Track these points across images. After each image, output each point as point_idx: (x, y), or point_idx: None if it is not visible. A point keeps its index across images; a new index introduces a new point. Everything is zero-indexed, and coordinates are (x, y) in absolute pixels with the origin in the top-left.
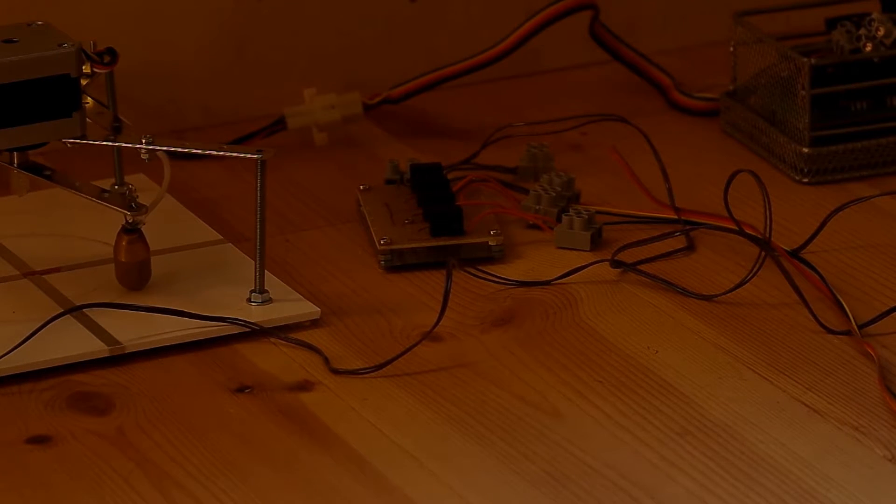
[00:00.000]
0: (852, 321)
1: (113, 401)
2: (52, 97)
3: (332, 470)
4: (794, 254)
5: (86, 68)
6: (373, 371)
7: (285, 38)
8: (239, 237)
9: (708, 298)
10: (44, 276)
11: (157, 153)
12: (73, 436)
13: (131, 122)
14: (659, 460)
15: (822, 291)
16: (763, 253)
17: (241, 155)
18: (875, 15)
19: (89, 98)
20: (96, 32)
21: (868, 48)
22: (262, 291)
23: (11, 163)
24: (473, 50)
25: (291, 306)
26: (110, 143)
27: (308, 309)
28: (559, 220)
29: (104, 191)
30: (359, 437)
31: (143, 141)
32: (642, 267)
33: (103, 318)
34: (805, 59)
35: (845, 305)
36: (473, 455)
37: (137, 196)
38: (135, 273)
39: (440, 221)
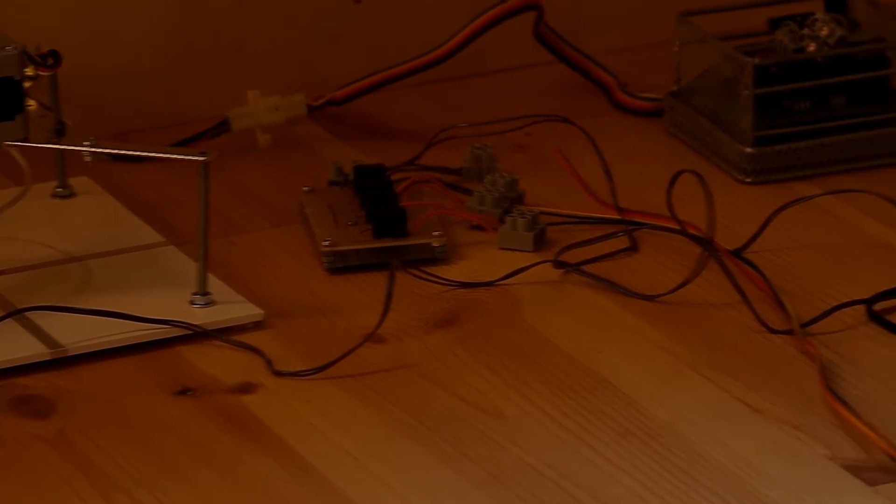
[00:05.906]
0: (794, 321)
1: (55, 404)
2: None
3: (275, 472)
4: (737, 253)
5: (29, 71)
6: (315, 373)
7: (229, 40)
8: (182, 239)
9: (651, 299)
10: None
11: (11, 153)
12: (14, 439)
13: (75, 124)
14: (601, 460)
15: (764, 291)
16: (705, 253)
17: (185, 157)
18: (818, 15)
19: (32, 101)
20: (40, 34)
21: (811, 48)
22: (204, 293)
23: None
24: (418, 51)
25: (234, 308)
26: (52, 146)
27: (251, 311)
28: (502, 220)
29: None
30: (301, 439)
31: (86, 143)
32: (585, 267)
33: (45, 321)
34: (748, 59)
35: (787, 305)
36: (416, 456)
37: None
38: None
39: (383, 223)
